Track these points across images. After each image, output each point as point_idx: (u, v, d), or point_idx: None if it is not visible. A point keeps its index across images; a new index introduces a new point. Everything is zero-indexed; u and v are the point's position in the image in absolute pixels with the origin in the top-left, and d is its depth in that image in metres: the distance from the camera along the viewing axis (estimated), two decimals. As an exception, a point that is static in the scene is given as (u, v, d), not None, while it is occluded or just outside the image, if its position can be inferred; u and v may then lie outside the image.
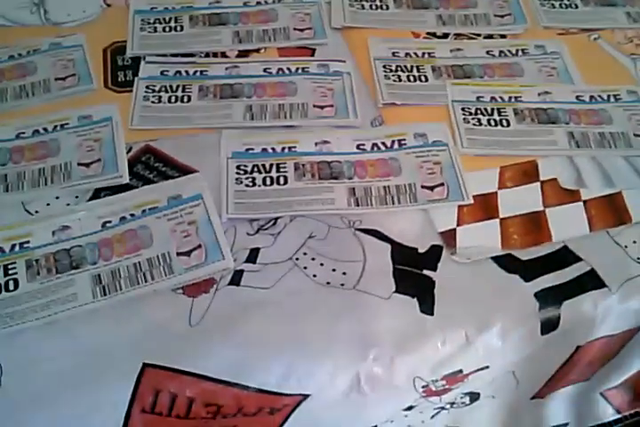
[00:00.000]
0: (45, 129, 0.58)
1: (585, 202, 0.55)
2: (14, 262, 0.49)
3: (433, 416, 0.56)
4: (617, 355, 0.57)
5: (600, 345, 0.54)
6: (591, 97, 0.63)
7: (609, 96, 0.63)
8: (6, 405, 0.43)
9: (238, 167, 0.56)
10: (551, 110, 0.61)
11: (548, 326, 0.50)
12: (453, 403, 0.55)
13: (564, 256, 0.52)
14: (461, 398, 0.54)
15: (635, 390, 0.63)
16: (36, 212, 0.53)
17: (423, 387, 0.49)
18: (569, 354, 0.54)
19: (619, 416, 0.66)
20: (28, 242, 0.50)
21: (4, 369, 0.45)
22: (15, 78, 0.63)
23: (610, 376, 0.59)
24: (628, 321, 0.53)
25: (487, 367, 0.51)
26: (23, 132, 0.58)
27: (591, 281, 0.51)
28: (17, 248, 0.50)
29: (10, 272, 0.49)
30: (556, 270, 0.51)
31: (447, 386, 0.50)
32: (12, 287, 0.48)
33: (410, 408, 0.52)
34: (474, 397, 0.55)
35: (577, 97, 0.63)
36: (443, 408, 0.56)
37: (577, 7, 0.72)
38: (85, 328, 0.47)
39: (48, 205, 0.54)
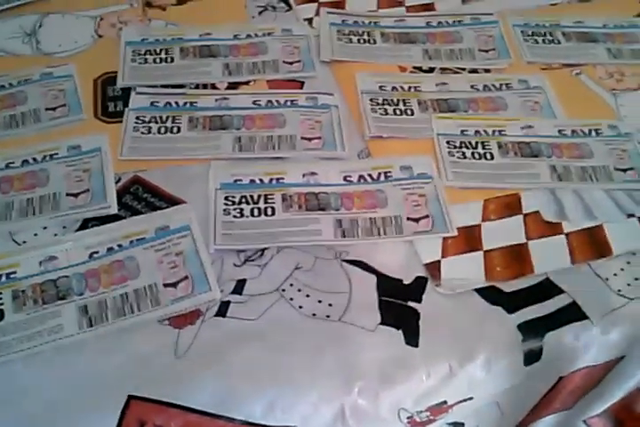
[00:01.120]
0: (35, 159, 0.59)
1: (567, 235, 0.56)
2: (0, 293, 0.49)
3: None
4: (599, 384, 0.57)
5: (582, 375, 0.54)
6: (573, 131, 0.64)
7: (590, 130, 0.64)
8: (-11, 438, 0.43)
9: (226, 198, 0.56)
10: (534, 144, 0.62)
11: (531, 357, 0.50)
12: (438, 433, 0.55)
13: (547, 288, 0.53)
14: (446, 428, 0.55)
15: (616, 418, 0.64)
16: (24, 242, 0.53)
17: (408, 418, 0.50)
18: (552, 384, 0.54)
19: (601, 445, 0.67)
20: (14, 272, 0.51)
21: (-11, 399, 0.45)
22: (5, 108, 0.63)
23: (592, 405, 0.60)
24: (610, 352, 0.53)
25: (471, 398, 0.51)
26: (12, 162, 0.58)
27: (573, 313, 0.51)
28: (3, 278, 0.50)
29: (-4, 303, 0.49)
30: (539, 302, 0.52)
31: (432, 417, 0.51)
32: (-3, 318, 0.48)
33: (395, 440, 0.52)
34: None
35: (559, 131, 0.64)
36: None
37: (559, 43, 0.74)
38: (71, 359, 0.47)
39: (36, 235, 0.54)
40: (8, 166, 0.58)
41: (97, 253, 0.52)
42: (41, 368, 0.46)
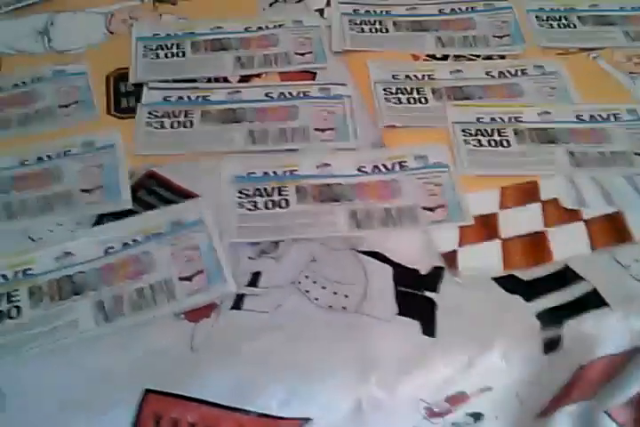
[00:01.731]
0: (49, 156, 0.59)
1: (586, 221, 0.55)
2: (17, 289, 0.50)
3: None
4: (621, 373, 0.56)
5: (603, 364, 0.53)
6: (591, 116, 0.63)
7: (609, 115, 0.63)
8: (9, 431, 0.44)
9: (240, 191, 0.56)
10: (551, 130, 0.61)
11: (550, 345, 0.49)
12: (457, 424, 0.54)
13: (566, 276, 0.52)
14: (465, 418, 0.54)
15: (638, 407, 0.63)
16: (39, 238, 0.54)
17: (426, 409, 0.49)
18: (572, 373, 0.53)
19: (624, 434, 0.66)
20: (30, 269, 0.51)
21: (7, 396, 0.45)
22: (19, 106, 0.64)
23: (614, 394, 0.59)
24: (631, 340, 0.52)
25: (490, 388, 0.50)
26: (27, 160, 0.59)
27: (593, 301, 0.50)
28: (20, 275, 0.50)
29: (13, 299, 0.49)
30: (558, 290, 0.51)
31: (450, 407, 0.50)
32: (14, 314, 0.48)
33: (413, 430, 0.52)
34: (477, 417, 0.55)
35: (577, 116, 0.63)
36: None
37: (575, 27, 0.73)
38: (87, 355, 0.47)
39: (51, 231, 0.54)
40: (23, 164, 0.59)
41: (112, 248, 0.52)
42: (58, 364, 0.46)
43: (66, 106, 0.64)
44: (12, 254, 0.52)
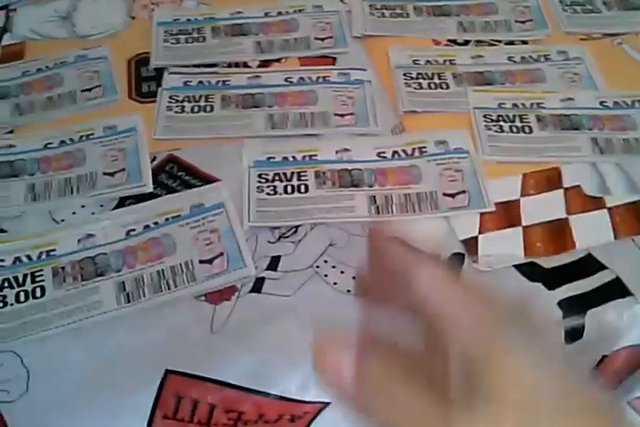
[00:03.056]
0: (72, 139, 0.59)
1: (609, 209, 0.55)
2: (41, 270, 0.50)
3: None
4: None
5: (626, 354, 0.53)
6: (615, 102, 0.62)
7: (633, 102, 0.62)
8: (32, 410, 0.44)
9: (260, 176, 0.56)
10: (574, 116, 0.60)
11: (573, 335, 0.49)
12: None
13: (589, 264, 0.52)
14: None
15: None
16: (62, 220, 0.54)
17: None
18: (594, 363, 0.53)
19: (647, 427, 0.65)
20: (54, 250, 0.51)
21: (30, 374, 0.46)
22: (43, 90, 0.64)
23: (638, 386, 0.58)
24: (656, 331, 0.52)
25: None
26: (50, 143, 0.59)
27: (616, 290, 0.50)
28: (43, 256, 0.51)
29: (37, 279, 0.50)
30: (581, 279, 0.51)
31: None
32: (38, 294, 0.49)
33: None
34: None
35: (600, 103, 0.62)
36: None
37: (600, 12, 0.72)
38: (109, 335, 0.47)
39: (74, 213, 0.55)
40: (46, 147, 0.59)
41: (134, 230, 0.53)
42: (81, 343, 0.47)
43: (88, 90, 0.64)
44: (36, 235, 0.52)
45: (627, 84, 0.64)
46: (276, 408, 0.46)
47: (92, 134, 0.60)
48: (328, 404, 0.46)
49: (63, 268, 0.50)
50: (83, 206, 0.55)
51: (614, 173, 0.57)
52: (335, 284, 0.51)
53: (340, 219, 0.54)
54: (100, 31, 0.71)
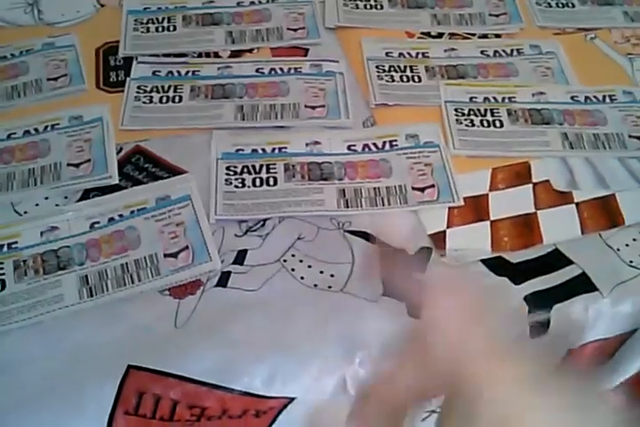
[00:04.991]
0: (36, 129, 0.58)
1: (577, 204, 0.55)
2: (2, 263, 0.49)
3: (424, 419, 0.56)
4: (612, 358, 0.56)
5: (593, 348, 0.53)
6: (586, 97, 0.62)
7: (604, 97, 0.62)
8: (-10, 406, 0.44)
9: (228, 168, 0.56)
10: (545, 111, 0.60)
11: (538, 329, 0.49)
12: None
13: (555, 259, 0.52)
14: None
15: (631, 392, 0.63)
16: (25, 212, 0.53)
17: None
18: (560, 357, 0.53)
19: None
20: (16, 242, 0.50)
21: (-10, 370, 0.45)
22: (7, 79, 0.63)
23: (605, 380, 0.59)
24: (621, 325, 0.52)
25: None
26: (14, 133, 0.58)
27: (582, 285, 0.50)
28: (5, 248, 0.50)
29: (-3, 273, 0.49)
30: (547, 273, 0.51)
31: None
32: (-2, 288, 0.48)
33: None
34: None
35: (572, 97, 0.62)
36: (434, 411, 0.55)
37: (573, 6, 0.71)
38: (71, 329, 0.47)
39: (37, 205, 0.54)
40: (9, 137, 0.58)
41: (98, 223, 0.52)
42: (41, 338, 0.46)
43: (54, 79, 0.63)
44: (-3, 227, 0.51)
45: (598, 79, 0.64)
46: (240, 404, 0.46)
47: (58, 124, 0.58)
48: (293, 399, 0.46)
49: (25, 261, 0.49)
50: (46, 198, 0.54)
51: (583, 168, 0.57)
52: (302, 278, 0.50)
53: (309, 212, 0.53)
54: (69, 19, 0.69)
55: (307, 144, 0.57)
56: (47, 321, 0.47)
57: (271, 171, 0.55)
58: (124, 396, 0.44)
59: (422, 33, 0.68)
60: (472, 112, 0.60)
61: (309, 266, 0.51)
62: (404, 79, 0.63)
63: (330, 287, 0.50)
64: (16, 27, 0.69)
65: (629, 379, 0.58)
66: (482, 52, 0.66)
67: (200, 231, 0.51)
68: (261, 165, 0.56)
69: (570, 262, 0.51)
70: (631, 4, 0.71)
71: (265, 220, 0.53)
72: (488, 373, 0.24)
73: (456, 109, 0.60)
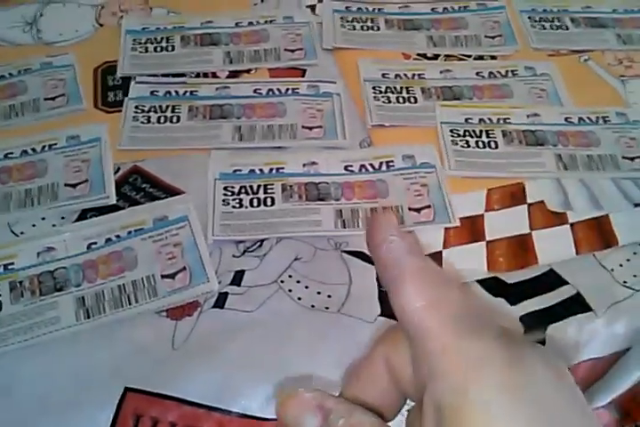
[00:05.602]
0: (34, 149, 0.58)
1: (572, 225, 0.55)
2: (-2, 284, 0.49)
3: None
4: (604, 376, 0.57)
5: (587, 367, 0.54)
6: (580, 119, 0.63)
7: (597, 118, 0.63)
8: (-15, 429, 0.43)
9: (225, 188, 0.56)
10: (539, 132, 0.61)
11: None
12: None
13: (550, 279, 0.52)
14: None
15: (622, 409, 0.63)
16: (22, 233, 0.53)
17: (408, 411, 0.49)
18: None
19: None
20: (12, 263, 0.50)
21: (-15, 392, 0.45)
22: (5, 98, 0.63)
23: (597, 396, 0.59)
24: (615, 344, 0.52)
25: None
26: (11, 153, 0.58)
27: (577, 305, 0.51)
28: (1, 269, 0.50)
29: (-7, 294, 0.49)
30: (542, 294, 0.51)
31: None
32: (-6, 310, 0.48)
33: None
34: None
35: (566, 119, 0.63)
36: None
37: (567, 28, 0.72)
38: (67, 351, 0.46)
39: (34, 226, 0.54)
40: (7, 157, 0.58)
41: (95, 243, 0.52)
42: (37, 360, 0.46)
43: (52, 98, 0.63)
44: (-6, 248, 0.51)
45: (592, 100, 0.64)
46: (237, 426, 0.45)
47: (55, 144, 0.59)
48: (290, 421, 0.46)
49: (21, 282, 0.49)
50: (43, 218, 0.54)
51: (577, 188, 0.58)
52: (299, 299, 0.50)
53: (307, 233, 0.54)
54: (67, 38, 0.70)
55: (304, 165, 0.58)
56: (43, 343, 0.47)
57: (269, 191, 0.56)
58: (121, 419, 0.44)
59: (418, 54, 0.69)
60: (467, 133, 0.61)
61: (306, 287, 0.51)
62: (401, 100, 0.63)
63: (327, 308, 0.50)
64: (14, 46, 0.69)
65: (620, 396, 0.59)
66: (477, 74, 0.67)
67: (198, 252, 0.51)
68: (259, 186, 0.56)
69: (565, 283, 0.52)
70: (624, 26, 0.72)
71: (262, 240, 0.53)
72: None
73: (452, 130, 0.61)
